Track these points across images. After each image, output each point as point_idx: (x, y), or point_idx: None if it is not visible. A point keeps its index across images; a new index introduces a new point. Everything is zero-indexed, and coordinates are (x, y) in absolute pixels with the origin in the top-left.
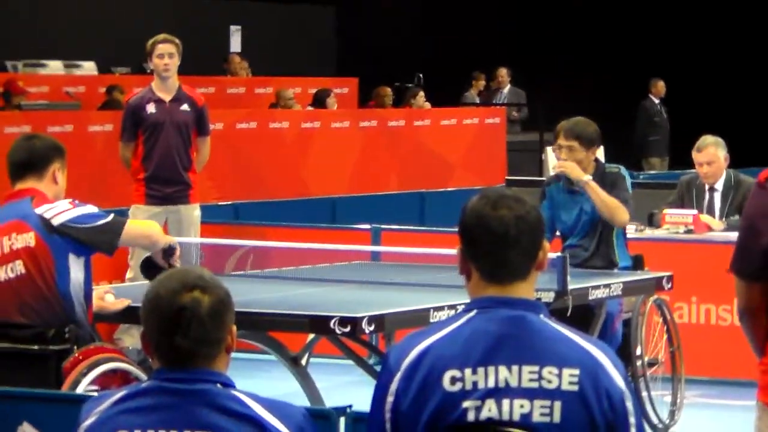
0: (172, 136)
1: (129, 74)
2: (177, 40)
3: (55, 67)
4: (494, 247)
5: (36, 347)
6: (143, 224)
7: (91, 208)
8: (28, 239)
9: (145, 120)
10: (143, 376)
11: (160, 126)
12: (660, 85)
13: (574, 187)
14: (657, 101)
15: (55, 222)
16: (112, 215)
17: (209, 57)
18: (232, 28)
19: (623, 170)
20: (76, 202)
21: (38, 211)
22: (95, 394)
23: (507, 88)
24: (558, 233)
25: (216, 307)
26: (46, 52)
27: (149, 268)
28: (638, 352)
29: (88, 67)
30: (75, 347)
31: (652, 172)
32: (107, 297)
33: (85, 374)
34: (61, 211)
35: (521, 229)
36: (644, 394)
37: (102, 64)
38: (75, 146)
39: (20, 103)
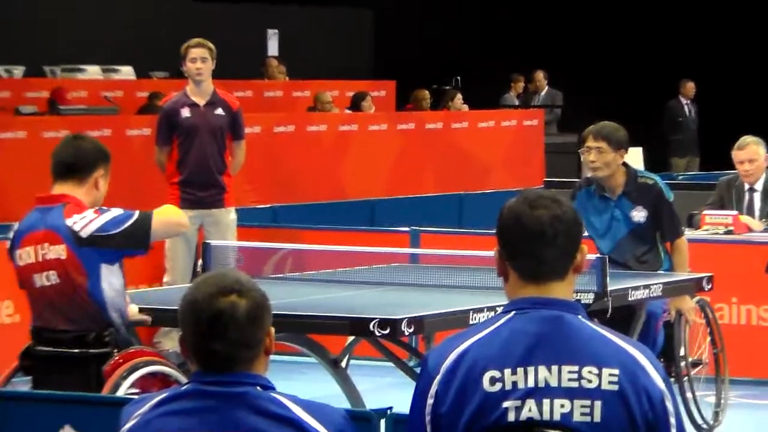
0: (207, 141)
1: (167, 78)
2: (210, 44)
3: (93, 71)
4: (531, 246)
5: (76, 350)
6: (170, 212)
7: (115, 212)
8: (59, 251)
9: (179, 124)
10: (183, 378)
11: (194, 130)
12: (689, 86)
13: (605, 193)
14: (685, 102)
15: (84, 234)
16: (137, 213)
17: (246, 60)
18: (270, 31)
19: (659, 182)
20: (102, 209)
21: (68, 222)
22: (135, 397)
23: (545, 90)
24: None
25: (253, 311)
26: (85, 56)
27: None
28: (681, 352)
29: (126, 72)
30: (115, 350)
31: (691, 172)
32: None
33: (125, 377)
34: (88, 221)
35: (558, 229)
36: (688, 395)
37: (140, 69)
38: (113, 150)
39: (59, 107)
